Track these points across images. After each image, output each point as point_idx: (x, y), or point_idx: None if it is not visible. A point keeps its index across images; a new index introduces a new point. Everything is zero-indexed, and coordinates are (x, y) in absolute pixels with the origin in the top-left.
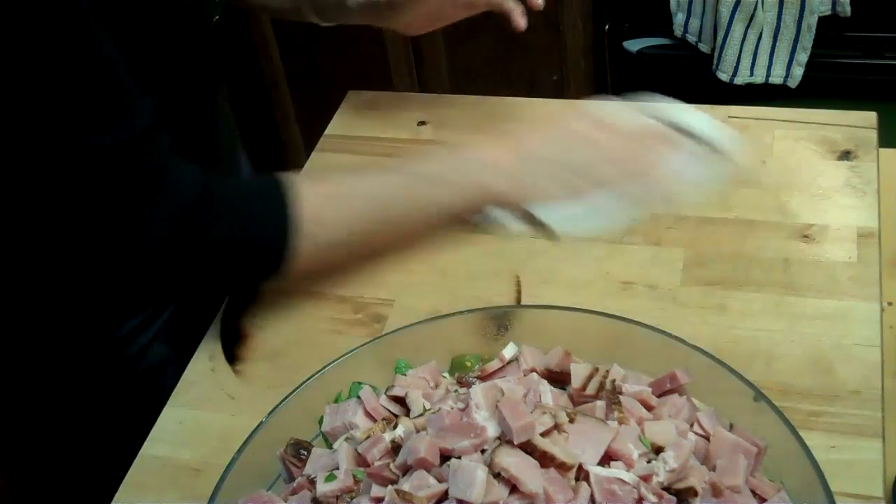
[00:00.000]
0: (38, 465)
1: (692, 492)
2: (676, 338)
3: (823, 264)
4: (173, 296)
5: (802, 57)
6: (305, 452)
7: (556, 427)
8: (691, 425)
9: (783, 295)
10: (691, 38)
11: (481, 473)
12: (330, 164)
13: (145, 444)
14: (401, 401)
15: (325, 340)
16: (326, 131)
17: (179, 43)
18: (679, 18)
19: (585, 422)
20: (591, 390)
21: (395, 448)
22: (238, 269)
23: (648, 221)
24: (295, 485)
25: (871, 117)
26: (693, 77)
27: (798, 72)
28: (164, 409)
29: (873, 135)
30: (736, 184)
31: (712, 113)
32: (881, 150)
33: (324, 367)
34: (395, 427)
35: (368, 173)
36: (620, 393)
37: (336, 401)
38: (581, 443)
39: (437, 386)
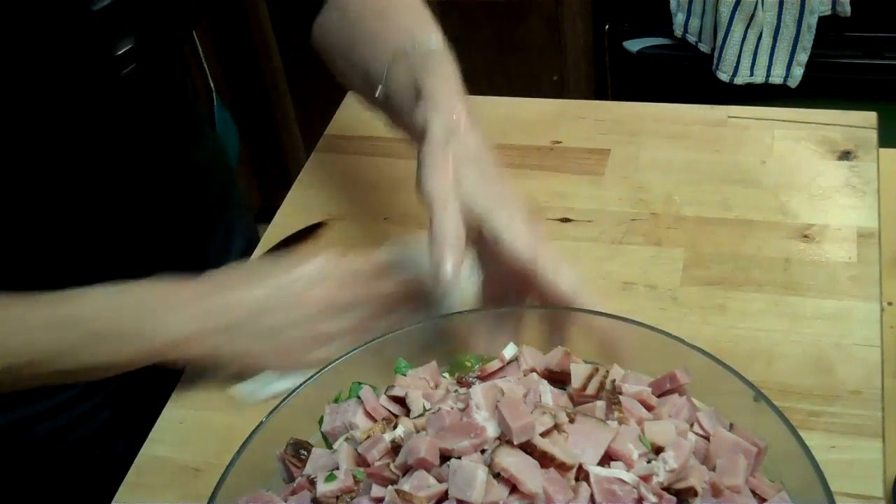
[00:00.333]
0: None
1: (692, 492)
2: (676, 338)
3: (823, 264)
4: None
5: (802, 57)
6: (305, 452)
7: (556, 427)
8: (691, 425)
9: (783, 295)
10: (691, 38)
11: (481, 474)
12: (330, 165)
13: (145, 444)
14: (401, 401)
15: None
16: (326, 131)
17: None
18: (679, 18)
19: (585, 422)
20: (591, 390)
21: (395, 448)
22: None
23: (648, 221)
24: (295, 485)
25: (871, 117)
26: (693, 77)
27: (798, 72)
28: (164, 409)
29: (873, 135)
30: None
31: (712, 113)
32: (881, 150)
33: (324, 368)
34: (395, 427)
35: (24, 321)
36: (620, 393)
37: (336, 401)
38: (581, 443)
39: (437, 386)
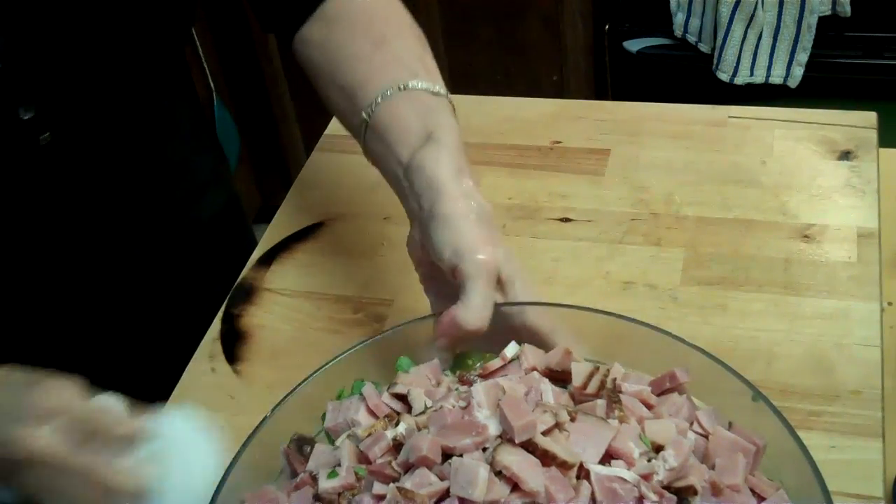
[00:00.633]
0: None
1: (692, 490)
2: (676, 337)
3: (823, 264)
4: None
5: (802, 57)
6: (308, 448)
7: (558, 426)
8: (691, 424)
9: (783, 295)
10: (691, 38)
11: (483, 472)
12: (330, 165)
13: None
14: (403, 398)
15: (325, 340)
16: (326, 131)
17: None
18: (679, 18)
19: (586, 420)
20: (591, 389)
21: (397, 446)
22: None
23: (648, 221)
24: (297, 481)
25: (871, 117)
26: (693, 77)
27: (798, 72)
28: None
29: (873, 135)
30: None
31: (713, 113)
32: (881, 150)
33: (326, 364)
34: (396, 424)
35: None
36: (620, 392)
37: (338, 398)
38: (582, 441)
39: (438, 384)
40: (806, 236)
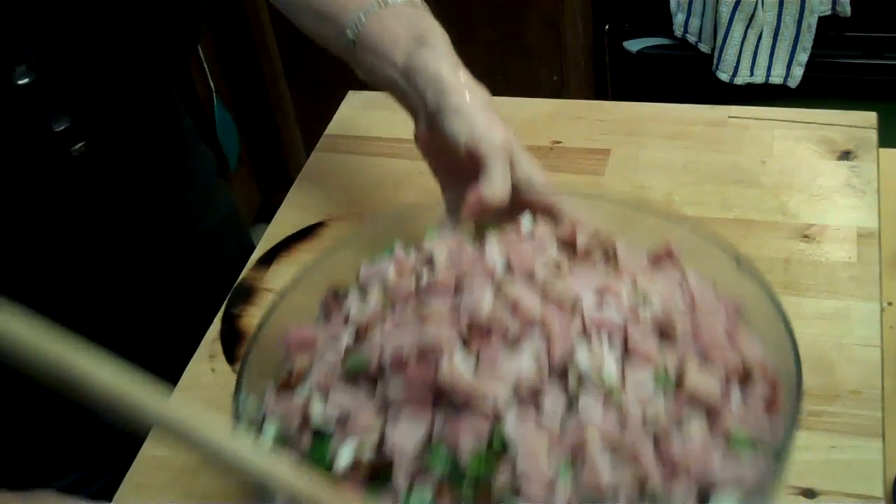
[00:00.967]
0: None
1: (673, 329)
2: (662, 213)
3: (823, 264)
4: None
5: (802, 57)
6: (343, 295)
7: (558, 267)
8: (680, 284)
9: (783, 295)
10: (691, 38)
11: (488, 295)
12: (330, 164)
13: (145, 444)
14: (430, 262)
15: None
16: (326, 131)
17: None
18: (679, 18)
19: (584, 268)
20: (591, 246)
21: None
22: None
23: None
24: (332, 320)
25: (871, 117)
26: (693, 77)
27: (798, 72)
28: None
29: (873, 135)
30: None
31: (712, 113)
32: (881, 150)
33: (360, 230)
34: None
35: None
36: (617, 252)
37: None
38: (578, 283)
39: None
40: (806, 236)
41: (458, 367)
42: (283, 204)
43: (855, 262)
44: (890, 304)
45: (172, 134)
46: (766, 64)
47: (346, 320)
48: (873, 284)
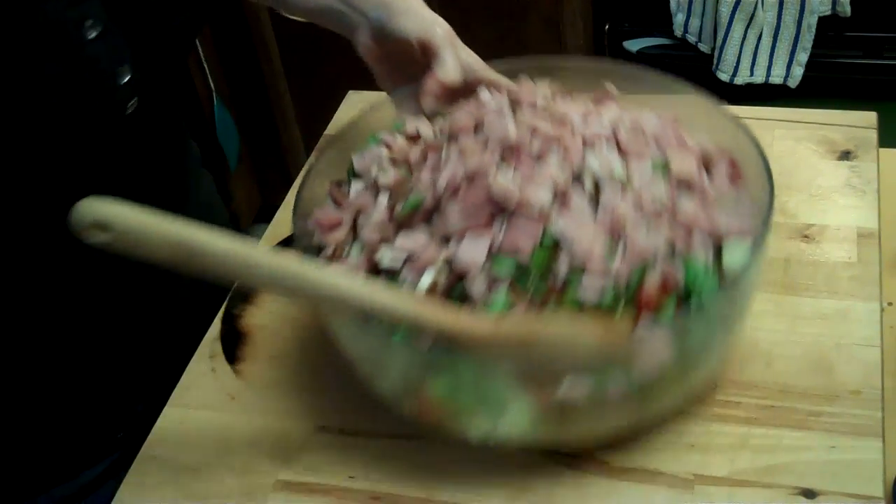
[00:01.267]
0: None
1: (646, 136)
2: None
3: (823, 264)
4: None
5: (802, 57)
6: (347, 183)
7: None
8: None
9: (783, 295)
10: (691, 38)
11: (511, 124)
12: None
13: (145, 444)
14: (415, 139)
15: (325, 340)
16: (326, 131)
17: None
18: (679, 18)
19: (564, 101)
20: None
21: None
22: None
23: None
24: (345, 202)
25: (871, 117)
26: (693, 77)
27: (798, 72)
28: (164, 409)
29: (873, 135)
30: None
31: None
32: (881, 150)
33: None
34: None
35: None
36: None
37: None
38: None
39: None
40: (806, 236)
41: (505, 180)
42: (283, 204)
43: (855, 262)
44: (890, 304)
45: (179, 143)
46: (766, 64)
47: (374, 187)
48: (873, 284)
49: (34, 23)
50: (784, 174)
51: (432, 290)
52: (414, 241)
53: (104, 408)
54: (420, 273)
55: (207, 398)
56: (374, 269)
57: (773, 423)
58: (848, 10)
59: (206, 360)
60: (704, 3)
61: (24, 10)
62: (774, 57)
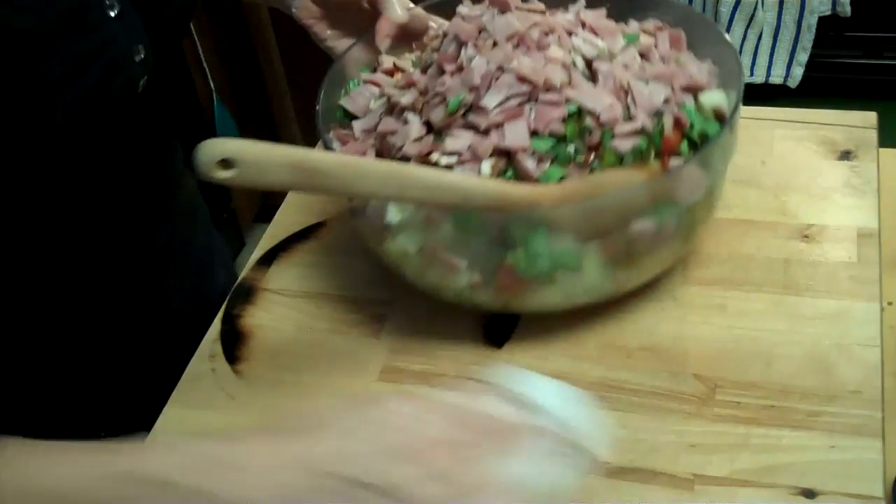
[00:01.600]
0: None
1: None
2: None
3: (823, 264)
4: None
5: (802, 57)
6: (348, 119)
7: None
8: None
9: (783, 295)
10: None
11: (514, 19)
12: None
13: (145, 444)
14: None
15: (325, 340)
16: None
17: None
18: None
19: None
20: None
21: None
22: None
23: None
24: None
25: (871, 117)
26: None
27: (798, 72)
28: (164, 408)
29: (873, 135)
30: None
31: None
32: (881, 150)
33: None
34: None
35: (81, 468)
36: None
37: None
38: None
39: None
40: (806, 236)
41: (527, 62)
42: (283, 204)
43: (855, 262)
44: (890, 303)
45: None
46: (766, 64)
47: (389, 112)
48: (873, 284)
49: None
50: (784, 174)
51: (492, 176)
52: (462, 140)
53: (91, 406)
54: (476, 165)
55: (207, 398)
56: None
57: (773, 423)
58: (848, 10)
59: (206, 360)
60: (704, 3)
61: None
62: (774, 57)
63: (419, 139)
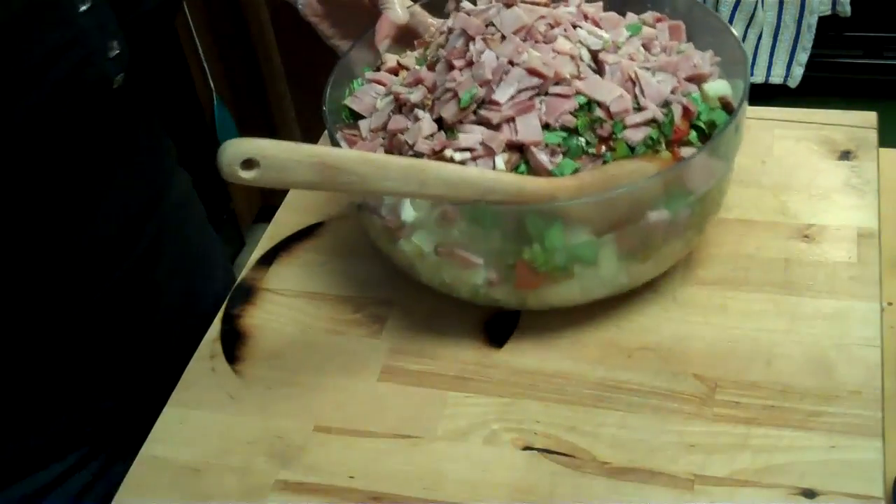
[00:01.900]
0: None
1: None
2: None
3: (823, 264)
4: None
5: (802, 57)
6: (352, 120)
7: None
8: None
9: (783, 295)
10: None
11: (523, 13)
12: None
13: (145, 444)
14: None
15: (325, 340)
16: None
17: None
18: None
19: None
20: None
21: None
22: None
23: None
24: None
25: (871, 117)
26: None
27: (798, 72)
28: (165, 408)
29: (873, 135)
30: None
31: None
32: (881, 150)
33: (331, 73)
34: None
35: None
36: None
37: (347, 96)
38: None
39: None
40: (806, 236)
41: (537, 55)
42: (283, 204)
43: (855, 262)
44: (890, 304)
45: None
46: (766, 64)
47: (398, 110)
48: (873, 284)
49: None
50: (784, 174)
51: (506, 170)
52: (475, 135)
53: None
54: (490, 160)
55: (207, 398)
56: None
57: (773, 423)
58: (848, 10)
59: (206, 360)
60: (704, 2)
61: None
62: (774, 57)
63: (431, 136)
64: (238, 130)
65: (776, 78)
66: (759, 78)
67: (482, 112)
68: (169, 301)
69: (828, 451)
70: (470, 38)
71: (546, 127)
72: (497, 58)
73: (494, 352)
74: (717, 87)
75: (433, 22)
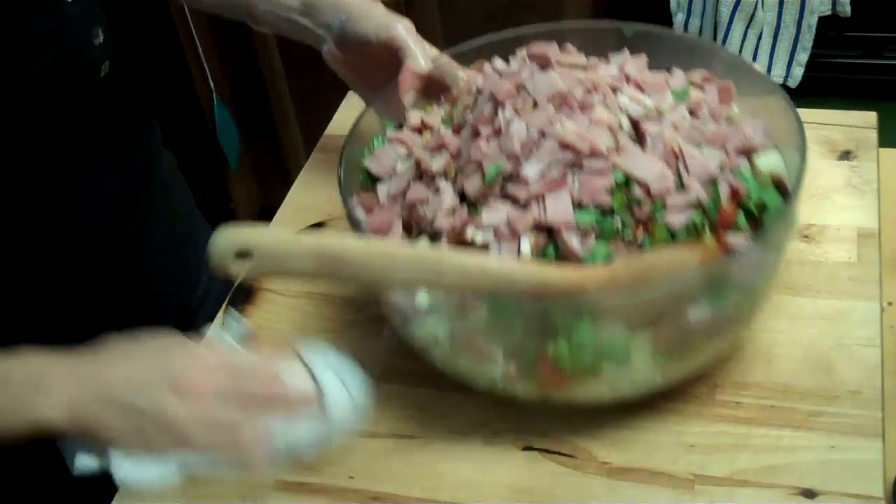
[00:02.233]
0: None
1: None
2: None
3: (823, 264)
4: None
5: (802, 57)
6: (373, 183)
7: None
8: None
9: (783, 295)
10: None
11: (558, 78)
12: (330, 165)
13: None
14: (421, 130)
15: (325, 340)
16: (326, 131)
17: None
18: (679, 18)
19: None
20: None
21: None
22: None
23: None
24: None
25: (871, 117)
26: None
27: (798, 72)
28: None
29: (873, 135)
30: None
31: None
32: (881, 150)
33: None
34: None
35: None
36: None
37: (366, 154)
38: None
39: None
40: (806, 236)
41: (571, 126)
42: (283, 204)
43: (855, 262)
44: (890, 304)
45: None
46: (766, 64)
47: (418, 178)
48: (873, 284)
49: None
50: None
51: (532, 253)
52: (499, 213)
53: None
54: (515, 242)
55: None
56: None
57: (773, 423)
58: (848, 10)
59: None
60: (704, 3)
61: None
62: (774, 57)
63: (452, 211)
64: (238, 130)
65: (776, 78)
66: None
67: (509, 188)
68: (159, 277)
69: (828, 452)
70: (499, 104)
71: (579, 205)
72: (527, 128)
73: None
74: (770, 161)
75: (463, 75)
